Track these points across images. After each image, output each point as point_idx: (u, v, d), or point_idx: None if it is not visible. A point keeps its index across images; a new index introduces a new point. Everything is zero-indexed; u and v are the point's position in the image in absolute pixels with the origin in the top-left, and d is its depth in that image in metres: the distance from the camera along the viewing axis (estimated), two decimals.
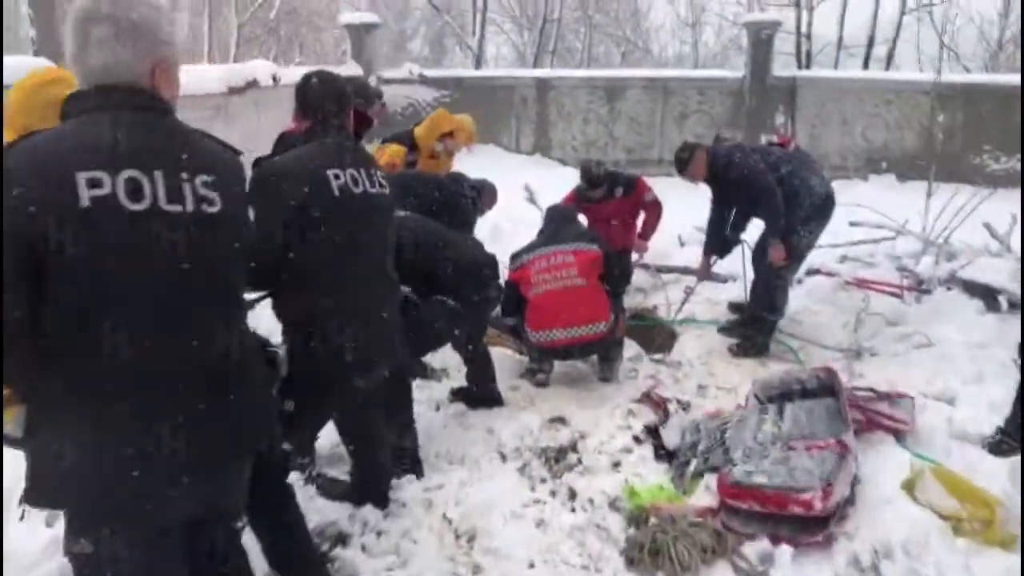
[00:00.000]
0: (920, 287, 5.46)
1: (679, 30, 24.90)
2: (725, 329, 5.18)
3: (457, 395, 4.05)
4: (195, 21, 18.14)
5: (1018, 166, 9.33)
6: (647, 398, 3.98)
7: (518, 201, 8.37)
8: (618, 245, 5.77)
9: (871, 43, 14.54)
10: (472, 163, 9.65)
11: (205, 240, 1.55)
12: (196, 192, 1.55)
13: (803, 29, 14.55)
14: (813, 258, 5.47)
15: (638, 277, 6.16)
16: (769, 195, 4.58)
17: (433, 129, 5.34)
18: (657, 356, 4.82)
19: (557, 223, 4.55)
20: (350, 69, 10.68)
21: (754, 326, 4.88)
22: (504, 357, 4.54)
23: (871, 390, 3.66)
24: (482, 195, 4.74)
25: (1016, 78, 10.05)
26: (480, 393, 3.97)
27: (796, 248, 4.73)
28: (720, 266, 5.71)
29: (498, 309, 4.38)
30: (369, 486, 2.93)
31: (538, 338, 4.22)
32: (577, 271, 4.26)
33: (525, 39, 22.46)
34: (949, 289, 5.35)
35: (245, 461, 1.78)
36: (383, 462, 2.92)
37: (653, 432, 3.56)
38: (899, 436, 3.46)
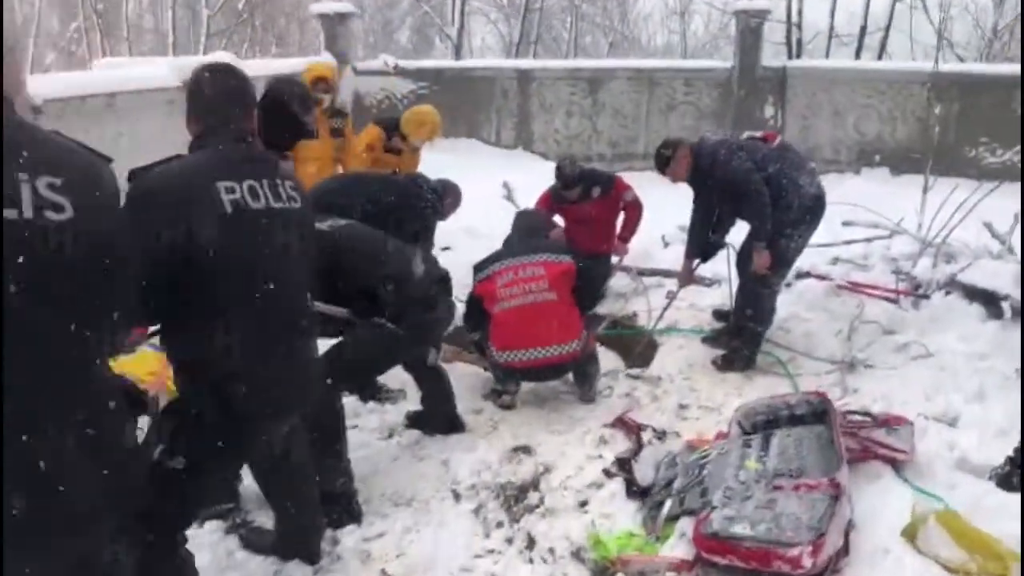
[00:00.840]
0: (917, 292, 5.12)
1: (667, 19, 24.48)
2: (709, 339, 4.82)
3: (413, 420, 3.68)
4: (160, 11, 17.67)
5: (1015, 159, 9.01)
6: (620, 423, 3.62)
7: (496, 199, 8.01)
8: (597, 248, 5.45)
9: (863, 32, 14.17)
10: (451, 158, 9.31)
11: (48, 252, 1.26)
12: (38, 195, 1.26)
13: (793, 17, 14.16)
14: (803, 260, 5.13)
15: (618, 281, 5.81)
16: (756, 196, 4.22)
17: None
18: (635, 371, 4.45)
19: (525, 231, 4.18)
20: (323, 60, 10.27)
21: (740, 337, 4.51)
22: (466, 375, 4.18)
23: (867, 414, 3.31)
24: (444, 198, 4.35)
25: (1014, 68, 9.71)
26: (437, 419, 3.61)
27: (784, 253, 4.37)
28: (704, 268, 5.36)
29: (459, 322, 4.03)
30: (296, 540, 2.57)
31: (504, 358, 3.85)
32: (548, 284, 3.89)
33: (513, 28, 22.00)
34: (948, 294, 5.00)
35: (102, 521, 1.42)
36: (311, 512, 2.55)
37: (625, 465, 3.20)
38: (898, 466, 3.12)
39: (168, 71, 6.31)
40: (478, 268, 4.05)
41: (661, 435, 3.43)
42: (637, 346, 4.91)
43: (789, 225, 4.29)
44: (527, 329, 3.84)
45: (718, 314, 5.16)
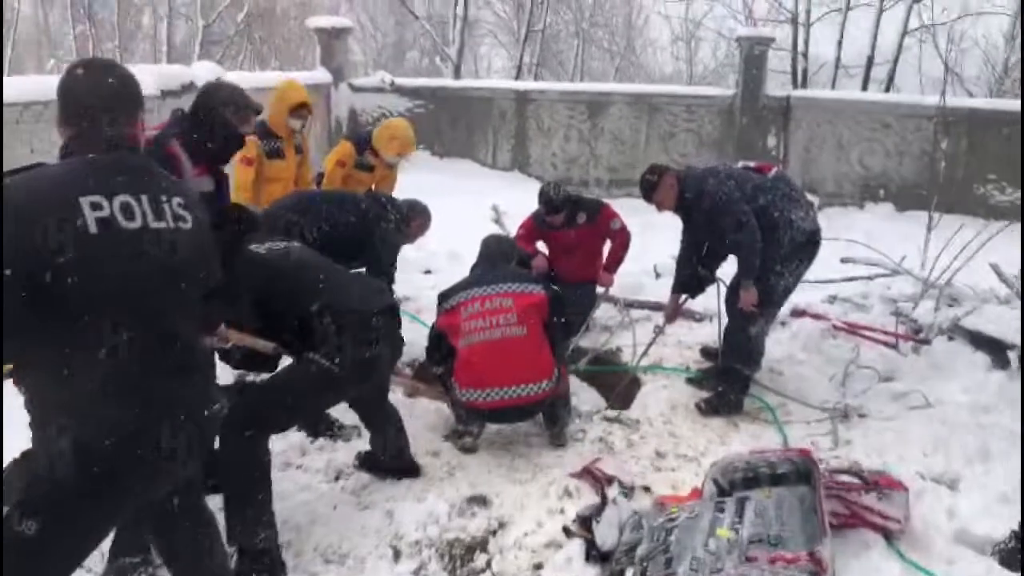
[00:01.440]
0: (918, 336, 4.81)
1: (674, 45, 24.36)
2: (695, 380, 4.52)
3: (363, 462, 3.37)
4: (154, 21, 17.48)
5: None
6: (587, 473, 3.31)
7: (484, 222, 7.76)
8: (581, 277, 5.18)
9: (870, 63, 13.93)
10: (443, 178, 9.08)
11: None
12: None
13: (800, 47, 13.96)
14: (799, 297, 4.84)
15: (605, 313, 5.52)
16: (744, 229, 3.93)
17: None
18: (613, 413, 4.14)
19: (493, 258, 3.89)
20: (318, 76, 10.10)
21: (726, 380, 4.21)
22: (428, 412, 3.87)
23: (858, 475, 2.99)
24: (411, 220, 4.07)
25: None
26: (389, 461, 3.30)
27: (772, 291, 4.08)
28: (695, 303, 5.07)
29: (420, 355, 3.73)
30: None
31: (468, 397, 3.55)
32: (516, 317, 3.60)
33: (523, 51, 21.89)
34: (950, 339, 4.69)
35: None
36: (215, 573, 2.23)
37: (586, 524, 2.88)
38: (890, 535, 2.82)
39: (149, 79, 6.08)
40: (443, 298, 3.76)
41: (629, 491, 3.11)
42: (619, 384, 4.61)
43: (779, 261, 4.01)
44: (493, 367, 3.54)
45: (706, 352, 4.86)
